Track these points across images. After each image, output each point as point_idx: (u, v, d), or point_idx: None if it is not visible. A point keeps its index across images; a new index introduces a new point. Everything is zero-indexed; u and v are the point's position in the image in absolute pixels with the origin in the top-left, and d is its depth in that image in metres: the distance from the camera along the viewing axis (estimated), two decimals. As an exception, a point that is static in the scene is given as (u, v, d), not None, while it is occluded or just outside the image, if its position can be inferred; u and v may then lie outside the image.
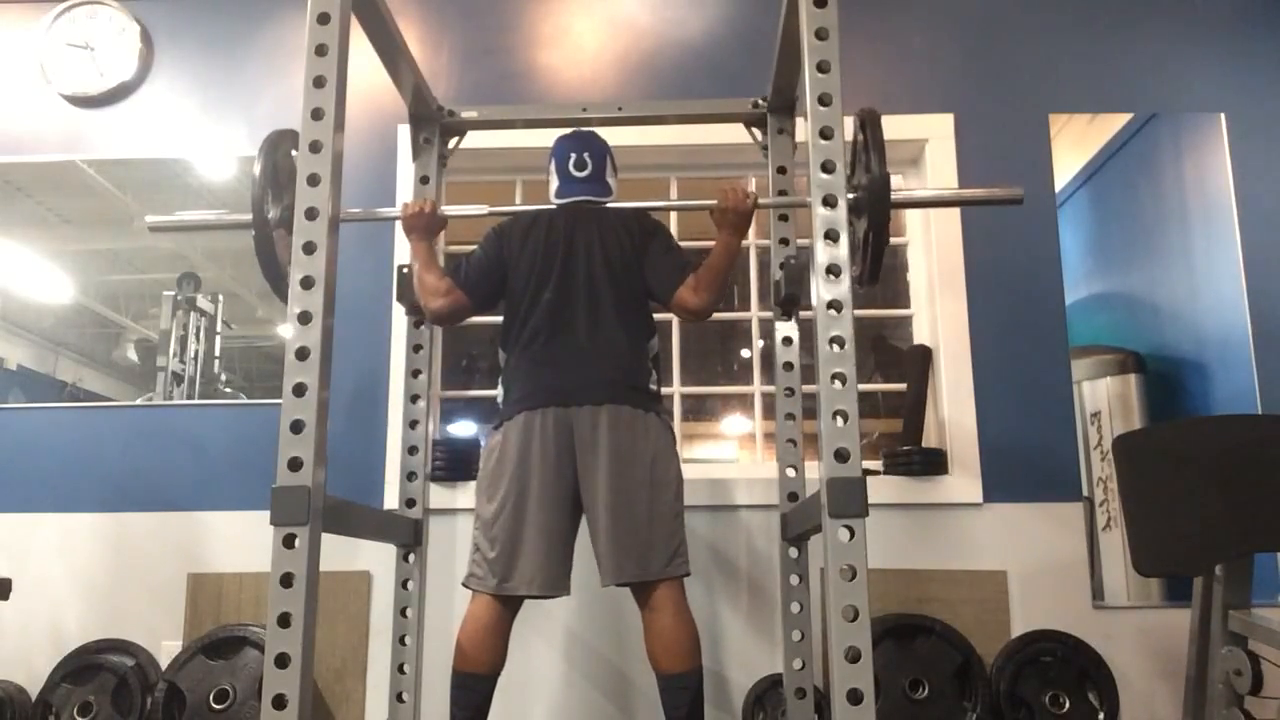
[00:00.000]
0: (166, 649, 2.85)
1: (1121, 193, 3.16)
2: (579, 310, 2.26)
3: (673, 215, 3.27)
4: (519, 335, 2.29)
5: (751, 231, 3.24)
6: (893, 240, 3.27)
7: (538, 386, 2.21)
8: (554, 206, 2.37)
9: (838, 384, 1.66)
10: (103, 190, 3.27)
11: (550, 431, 2.17)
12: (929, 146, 3.15)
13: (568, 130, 2.50)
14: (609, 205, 2.36)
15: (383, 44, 2.30)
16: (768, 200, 2.52)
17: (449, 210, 2.39)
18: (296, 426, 1.70)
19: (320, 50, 1.85)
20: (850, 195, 1.86)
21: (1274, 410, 2.92)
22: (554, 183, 2.41)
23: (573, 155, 2.40)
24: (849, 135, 1.92)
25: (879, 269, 1.96)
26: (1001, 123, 3.17)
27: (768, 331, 3.08)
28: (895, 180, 3.30)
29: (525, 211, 2.42)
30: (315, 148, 1.81)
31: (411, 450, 2.55)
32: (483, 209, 2.37)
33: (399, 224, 3.08)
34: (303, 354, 1.73)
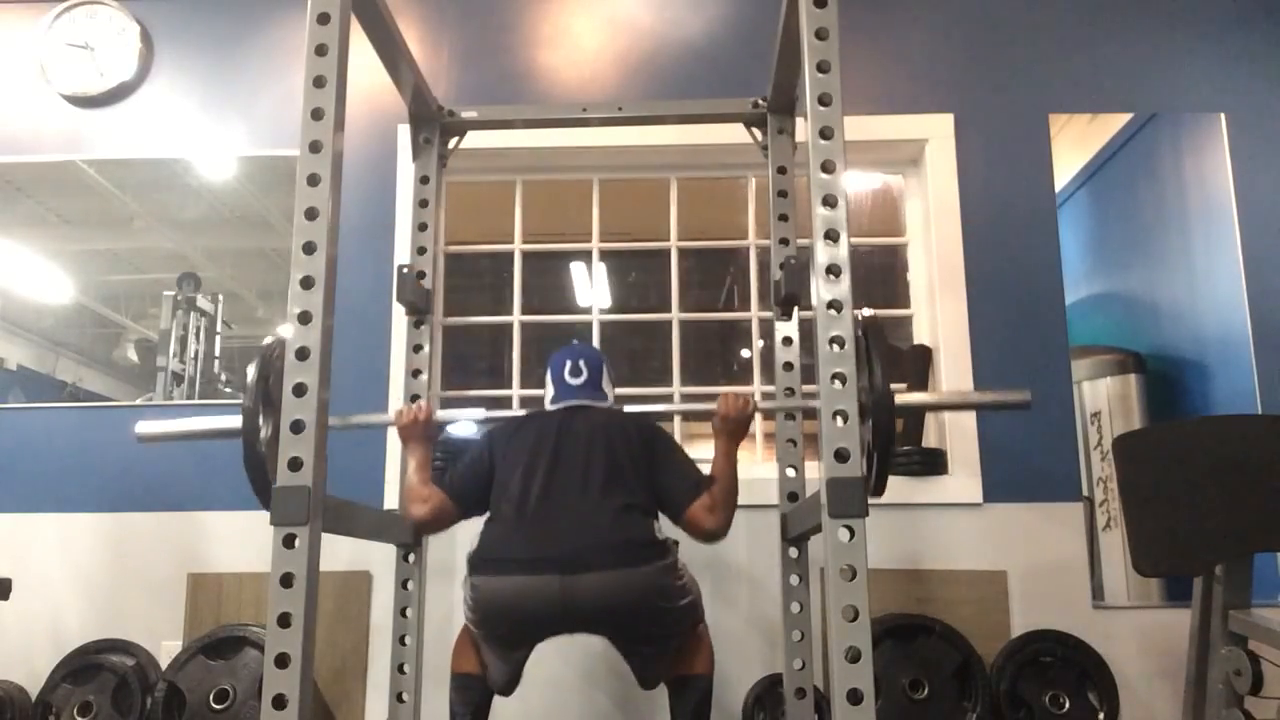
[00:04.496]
0: (166, 649, 2.85)
1: (1121, 193, 3.16)
2: (574, 478, 2.10)
3: (673, 214, 3.28)
4: (509, 494, 2.12)
5: (751, 232, 3.26)
6: (893, 240, 3.28)
7: (529, 550, 2.02)
8: (549, 410, 2.29)
9: (838, 384, 1.66)
10: (103, 190, 3.27)
11: (539, 602, 1.99)
12: (929, 146, 3.15)
13: (563, 348, 2.39)
14: (608, 408, 2.28)
15: (383, 44, 2.30)
16: (770, 404, 2.44)
17: (443, 415, 2.34)
18: (296, 426, 1.69)
19: (320, 50, 1.85)
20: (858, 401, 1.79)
21: (1274, 410, 2.92)
22: (549, 392, 2.32)
23: (568, 364, 2.31)
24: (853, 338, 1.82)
25: (885, 480, 1.90)
26: (1001, 123, 3.17)
27: (768, 331, 3.08)
28: (895, 181, 3.31)
29: (519, 415, 2.33)
30: (315, 148, 1.81)
31: (411, 450, 2.54)
32: (479, 413, 2.31)
33: (398, 223, 3.11)
34: (303, 354, 1.73)
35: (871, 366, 1.81)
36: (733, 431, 2.20)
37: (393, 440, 2.95)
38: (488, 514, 2.18)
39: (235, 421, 1.97)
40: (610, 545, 2.01)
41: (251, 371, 1.95)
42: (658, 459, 2.18)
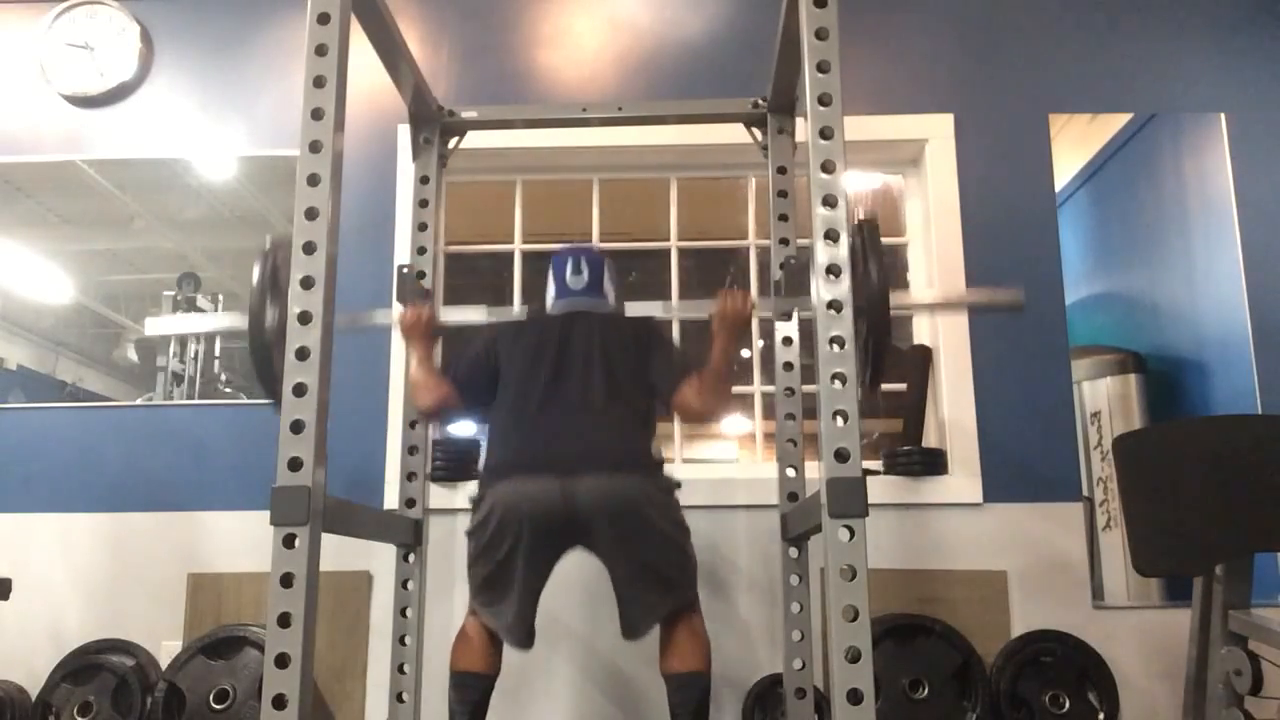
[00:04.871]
0: (166, 649, 2.85)
1: (1121, 193, 3.16)
2: (573, 390, 2.19)
3: (673, 214, 3.28)
4: (511, 404, 2.21)
5: (751, 231, 3.26)
6: (893, 240, 3.28)
7: (531, 456, 2.13)
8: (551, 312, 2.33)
9: (838, 384, 1.66)
10: (103, 190, 3.27)
11: (542, 502, 2.08)
12: (929, 147, 3.15)
13: (565, 246, 2.43)
14: (608, 313, 2.32)
15: (383, 44, 2.29)
16: (765, 308, 2.48)
17: (446, 316, 2.37)
18: (296, 426, 1.69)
19: (320, 50, 1.85)
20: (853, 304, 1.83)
21: (1274, 410, 2.92)
22: (550, 292, 2.37)
23: (569, 264, 2.36)
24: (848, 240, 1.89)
25: (881, 374, 1.94)
26: (1001, 123, 3.17)
27: (768, 331, 3.08)
28: (895, 181, 3.31)
29: (522, 314, 2.39)
30: (315, 148, 1.81)
31: (411, 450, 2.55)
32: (480, 311, 2.34)
33: (398, 223, 3.11)
34: (303, 354, 1.73)
35: (868, 264, 1.84)
36: (730, 330, 2.23)
37: (393, 441, 2.95)
38: (490, 425, 2.26)
39: (241, 320, 2.02)
40: (608, 453, 2.11)
41: (256, 269, 1.99)
42: (653, 352, 2.27)
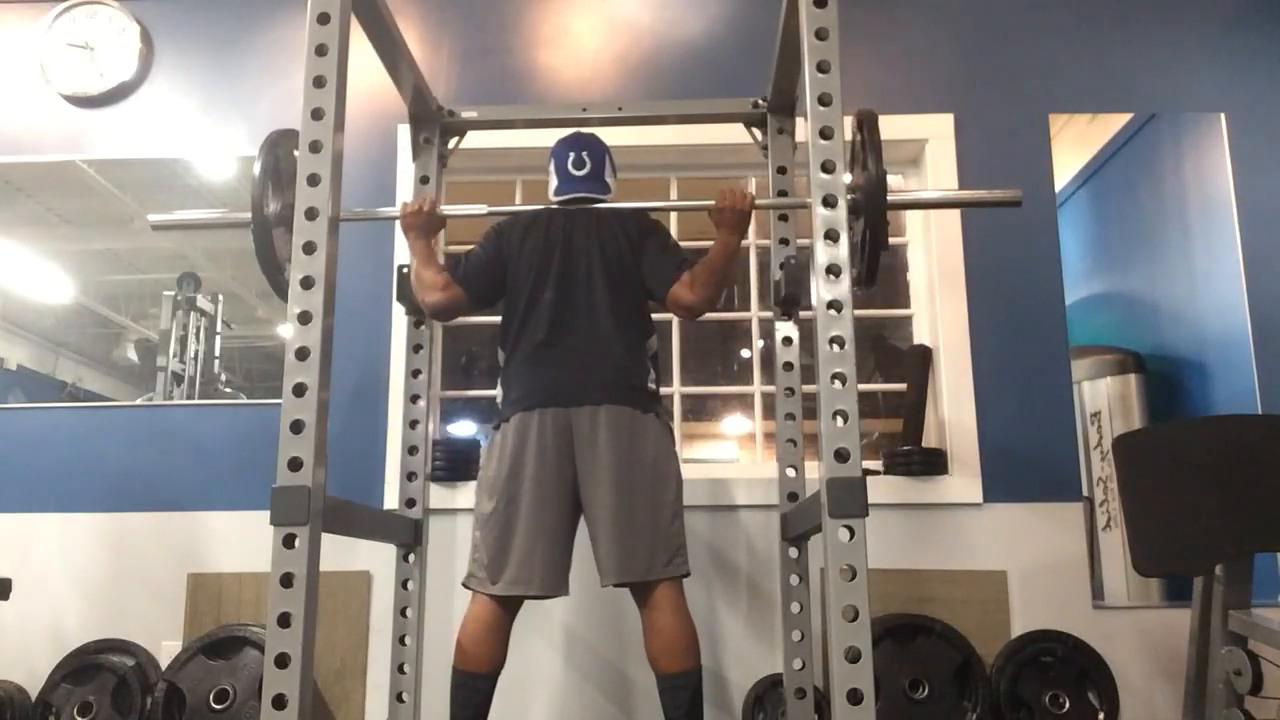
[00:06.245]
0: (166, 649, 2.85)
1: (1121, 193, 3.16)
2: (578, 310, 2.26)
3: (672, 215, 3.27)
4: (518, 336, 2.29)
5: (751, 231, 3.25)
6: (893, 240, 3.27)
7: (536, 387, 2.22)
8: (553, 207, 2.38)
9: (838, 384, 1.66)
10: (103, 190, 3.27)
11: (548, 432, 2.17)
12: (929, 146, 3.15)
13: (568, 132, 2.50)
14: (608, 205, 2.37)
15: (383, 44, 2.30)
16: (766, 201, 2.52)
17: (448, 210, 2.39)
18: (296, 426, 1.69)
19: (320, 50, 1.85)
20: (848, 196, 1.86)
21: (1274, 410, 2.92)
22: (553, 182, 2.42)
23: (571, 154, 2.41)
24: (848, 136, 1.91)
25: (876, 270, 1.97)
26: (1001, 123, 3.17)
27: (768, 331, 3.08)
28: (895, 180, 3.30)
29: (525, 211, 2.43)
30: (315, 148, 1.81)
31: (411, 450, 2.55)
32: (481, 208, 2.37)
33: (399, 223, 3.11)
34: (303, 354, 1.73)
35: (867, 161, 1.85)
36: (731, 223, 2.25)
37: (393, 441, 2.95)
38: (503, 361, 2.32)
39: (244, 215, 2.09)
40: (611, 384, 2.20)
41: (257, 165, 2.06)
42: (648, 249, 2.32)
